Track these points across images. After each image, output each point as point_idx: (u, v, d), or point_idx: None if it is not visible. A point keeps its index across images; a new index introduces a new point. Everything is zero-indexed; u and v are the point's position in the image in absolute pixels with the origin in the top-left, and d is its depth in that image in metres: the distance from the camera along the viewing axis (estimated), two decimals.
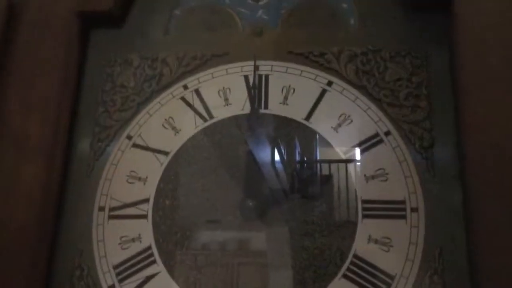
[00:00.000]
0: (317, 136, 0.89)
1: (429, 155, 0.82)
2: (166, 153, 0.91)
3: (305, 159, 0.89)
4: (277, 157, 0.87)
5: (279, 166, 0.87)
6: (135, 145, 0.93)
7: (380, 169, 0.82)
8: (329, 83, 0.90)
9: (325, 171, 0.87)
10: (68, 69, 0.94)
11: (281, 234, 0.83)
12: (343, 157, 0.85)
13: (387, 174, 0.82)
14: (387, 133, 0.84)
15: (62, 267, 0.90)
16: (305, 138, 0.89)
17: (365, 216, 0.81)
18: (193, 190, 0.89)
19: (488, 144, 0.74)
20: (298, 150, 0.88)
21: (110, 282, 0.85)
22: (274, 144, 0.86)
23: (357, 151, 0.86)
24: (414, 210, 0.79)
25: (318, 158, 0.88)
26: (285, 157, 0.87)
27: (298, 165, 0.88)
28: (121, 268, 0.86)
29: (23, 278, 0.84)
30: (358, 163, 0.85)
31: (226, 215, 0.86)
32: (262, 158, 0.86)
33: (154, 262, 0.85)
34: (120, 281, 0.85)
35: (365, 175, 0.83)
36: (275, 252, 0.82)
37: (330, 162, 0.88)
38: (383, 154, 0.83)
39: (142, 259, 0.86)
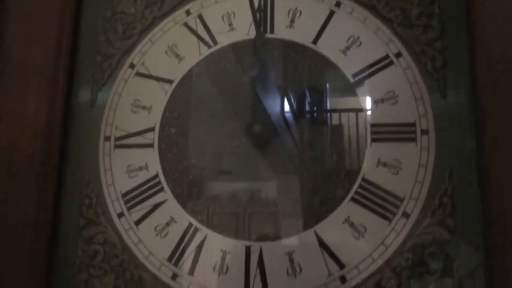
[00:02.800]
0: (325, 60, 0.83)
1: (440, 76, 0.79)
2: (170, 81, 0.89)
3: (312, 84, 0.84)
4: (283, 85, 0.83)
5: (285, 92, 0.84)
6: (138, 74, 0.91)
7: (390, 91, 0.80)
8: (337, 4, 0.87)
9: (333, 95, 0.83)
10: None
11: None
12: (351, 80, 0.81)
13: (397, 96, 0.80)
14: (398, 55, 0.82)
15: (71, 197, 0.91)
16: (313, 62, 0.84)
17: (374, 140, 0.79)
18: (198, 118, 0.87)
19: (501, 61, 0.70)
20: (305, 75, 0.84)
21: (118, 210, 0.84)
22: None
23: (366, 74, 0.81)
24: (424, 132, 0.77)
25: (326, 82, 0.83)
26: (292, 83, 0.84)
27: (305, 90, 0.84)
28: (129, 196, 0.85)
29: (32, 206, 0.84)
30: (368, 87, 0.81)
31: (233, 141, 0.84)
32: (268, 87, 0.83)
33: (161, 190, 0.84)
34: (129, 208, 0.84)
35: (374, 99, 0.80)
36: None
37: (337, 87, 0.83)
38: (393, 76, 0.81)
39: (149, 187, 0.85)
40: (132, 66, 0.92)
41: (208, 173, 0.85)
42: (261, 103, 0.84)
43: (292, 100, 0.85)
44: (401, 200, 0.76)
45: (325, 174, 0.81)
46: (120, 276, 0.81)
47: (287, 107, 0.86)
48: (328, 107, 0.85)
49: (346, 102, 0.84)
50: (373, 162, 0.79)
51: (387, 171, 0.77)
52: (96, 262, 0.83)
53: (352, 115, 0.82)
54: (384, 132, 0.79)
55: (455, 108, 0.78)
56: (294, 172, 0.83)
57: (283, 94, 0.85)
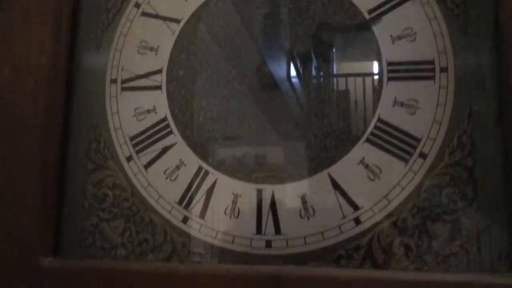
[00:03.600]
0: None
1: (461, 11, 0.74)
2: (177, 21, 0.86)
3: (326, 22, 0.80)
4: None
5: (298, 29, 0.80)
6: (144, 14, 0.88)
7: (407, 28, 0.76)
8: None
9: (347, 33, 0.79)
10: None
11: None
12: (367, 16, 0.77)
13: (415, 33, 0.76)
14: None
15: (78, 141, 0.89)
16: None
17: (390, 79, 0.76)
18: (207, 59, 0.83)
19: None
20: (318, 12, 0.79)
21: (127, 154, 0.82)
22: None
23: (383, 9, 0.76)
24: (443, 70, 0.74)
25: (340, 20, 0.79)
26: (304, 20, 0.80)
27: (319, 29, 0.80)
28: (138, 139, 0.83)
29: (37, 153, 0.82)
30: (384, 23, 0.76)
31: (242, 83, 0.80)
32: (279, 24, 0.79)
33: (170, 133, 0.82)
34: (137, 152, 0.82)
35: (391, 36, 0.76)
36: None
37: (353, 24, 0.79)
38: (411, 12, 0.77)
39: (158, 130, 0.83)
40: (137, 5, 0.88)
41: (218, 116, 0.81)
42: (273, 42, 0.79)
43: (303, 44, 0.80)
44: (418, 140, 0.73)
45: (339, 116, 0.76)
46: (130, 220, 0.80)
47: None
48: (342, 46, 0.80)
49: (362, 40, 0.79)
50: (389, 102, 0.75)
51: (404, 111, 0.74)
52: (106, 206, 0.82)
53: (369, 52, 0.77)
54: (401, 70, 0.76)
55: (476, 45, 0.74)
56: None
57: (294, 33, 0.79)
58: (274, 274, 0.66)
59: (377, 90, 0.77)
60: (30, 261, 0.74)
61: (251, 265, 0.73)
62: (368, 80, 0.79)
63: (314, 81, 0.84)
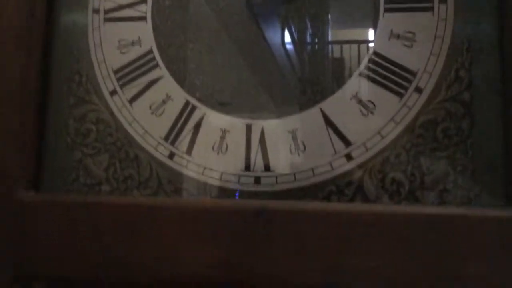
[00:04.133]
0: None
1: None
2: None
3: None
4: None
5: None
6: None
7: None
8: None
9: None
10: None
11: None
12: None
13: None
14: None
15: (59, 74, 0.85)
16: None
17: (387, 10, 0.71)
18: None
19: None
20: None
21: (111, 87, 0.78)
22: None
23: None
24: (442, 0, 0.69)
25: None
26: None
27: None
28: (122, 73, 0.79)
29: (17, 87, 0.79)
30: None
31: (233, 14, 0.75)
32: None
33: (156, 66, 0.78)
34: (122, 86, 0.78)
35: None
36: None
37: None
38: None
39: (143, 64, 0.79)
40: None
41: (207, 49, 0.77)
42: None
43: None
44: (414, 74, 0.70)
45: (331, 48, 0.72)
46: (115, 155, 0.77)
47: None
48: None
49: None
50: (385, 34, 0.72)
51: (400, 44, 0.71)
52: (89, 141, 0.78)
53: None
54: (398, 1, 0.71)
55: None
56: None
57: None
58: (262, 207, 0.63)
59: (373, 22, 0.72)
60: (11, 195, 0.70)
61: (239, 200, 0.69)
62: (363, 12, 0.73)
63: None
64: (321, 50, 0.78)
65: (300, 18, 0.77)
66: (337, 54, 0.76)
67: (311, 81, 0.75)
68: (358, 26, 0.76)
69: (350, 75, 0.74)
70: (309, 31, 0.78)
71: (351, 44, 0.77)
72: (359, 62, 0.74)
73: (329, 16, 0.77)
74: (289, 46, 0.79)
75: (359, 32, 0.76)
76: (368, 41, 0.74)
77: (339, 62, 0.75)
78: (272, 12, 0.77)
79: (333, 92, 0.74)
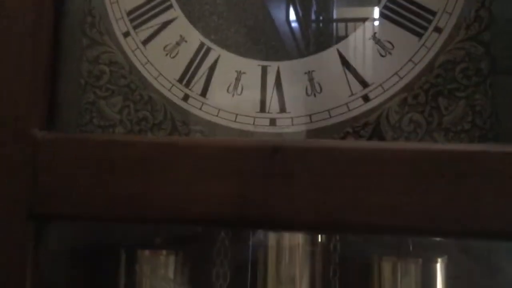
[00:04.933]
0: None
1: None
2: None
3: None
4: None
5: None
6: None
7: None
8: None
9: None
10: None
11: None
12: None
13: None
14: None
15: (71, 14, 0.83)
16: None
17: None
18: None
19: None
20: None
21: (124, 29, 0.77)
22: None
23: None
24: None
25: None
26: None
27: None
28: (135, 14, 0.78)
29: (30, 26, 0.78)
30: None
31: None
32: None
33: (170, 7, 0.76)
34: (135, 27, 0.77)
35: None
36: None
37: None
38: None
39: (157, 4, 0.78)
40: None
41: None
42: None
43: None
44: (434, 14, 0.68)
45: None
46: (129, 97, 0.76)
47: None
48: None
49: None
50: None
51: None
52: (103, 83, 0.77)
53: None
54: None
55: None
56: None
57: None
58: (277, 145, 0.62)
59: None
60: (24, 134, 0.69)
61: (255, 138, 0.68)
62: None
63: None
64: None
65: None
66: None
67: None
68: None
69: (368, 15, 0.71)
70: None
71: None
72: None
73: None
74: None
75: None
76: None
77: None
78: None
79: (350, 33, 0.71)
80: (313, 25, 0.78)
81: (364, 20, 0.73)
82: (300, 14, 0.78)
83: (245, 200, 0.64)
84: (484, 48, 0.68)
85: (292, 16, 0.78)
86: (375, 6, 0.73)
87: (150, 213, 0.66)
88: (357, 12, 0.75)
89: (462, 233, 0.60)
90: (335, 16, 0.77)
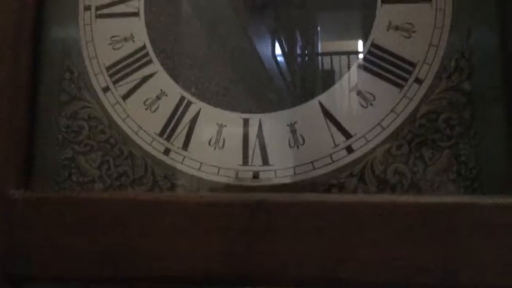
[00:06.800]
0: None
1: None
2: None
3: None
4: None
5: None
6: None
7: None
8: None
9: None
10: None
11: None
12: None
13: None
14: None
15: (50, 70, 0.82)
16: None
17: (384, 1, 0.70)
18: None
19: None
20: None
21: (103, 84, 0.76)
22: None
23: None
24: None
25: None
26: None
27: None
28: (115, 69, 0.77)
29: (6, 83, 0.76)
30: None
31: (229, 5, 0.74)
32: None
33: (150, 62, 0.75)
34: (115, 82, 0.76)
35: None
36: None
37: None
38: None
39: (136, 59, 0.77)
40: None
41: (202, 44, 0.75)
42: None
43: None
44: (414, 65, 0.68)
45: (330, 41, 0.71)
46: (108, 153, 0.74)
47: None
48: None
49: None
50: (383, 25, 0.70)
51: (399, 35, 0.70)
52: (81, 139, 0.76)
53: None
54: None
55: None
56: None
57: None
58: (261, 200, 0.60)
59: (371, 14, 0.71)
60: (1, 193, 0.66)
61: (237, 193, 0.67)
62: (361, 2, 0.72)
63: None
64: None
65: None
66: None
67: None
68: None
69: (349, 67, 0.71)
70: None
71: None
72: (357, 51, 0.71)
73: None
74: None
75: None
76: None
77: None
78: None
79: (332, 84, 0.71)
80: (296, 75, 0.77)
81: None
82: (284, 65, 0.77)
83: (230, 257, 0.62)
84: (466, 98, 0.67)
85: (275, 67, 0.77)
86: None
87: (132, 272, 0.63)
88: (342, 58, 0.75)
89: (453, 286, 0.57)
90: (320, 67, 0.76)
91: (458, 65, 0.69)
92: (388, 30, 0.72)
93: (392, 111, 0.70)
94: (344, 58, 0.74)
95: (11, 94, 0.74)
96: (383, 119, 0.69)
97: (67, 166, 0.76)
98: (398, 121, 0.69)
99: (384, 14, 0.72)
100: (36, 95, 0.79)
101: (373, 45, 0.72)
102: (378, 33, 0.72)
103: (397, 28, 0.71)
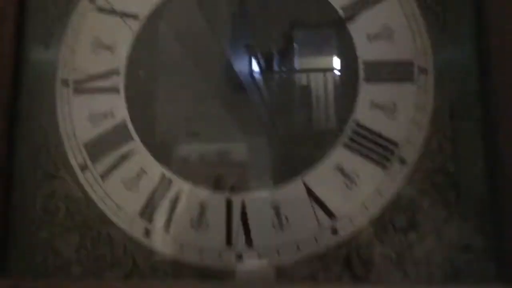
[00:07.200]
0: None
1: (440, 10, 0.70)
2: (136, 17, 0.76)
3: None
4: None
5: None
6: (99, 9, 0.78)
7: (385, 26, 0.70)
8: None
9: (321, 31, 0.74)
10: None
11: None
12: (342, 14, 0.71)
13: (392, 32, 0.71)
14: None
15: (26, 149, 0.79)
16: None
17: (367, 80, 0.69)
18: (171, 57, 0.75)
19: None
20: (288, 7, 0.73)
21: (81, 162, 0.74)
22: None
23: (359, 7, 0.71)
24: (422, 71, 0.69)
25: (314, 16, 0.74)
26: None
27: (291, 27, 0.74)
28: (93, 146, 0.74)
29: None
30: (360, 22, 0.71)
31: (207, 83, 0.73)
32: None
33: (130, 138, 0.73)
34: (93, 160, 0.73)
35: (367, 34, 0.70)
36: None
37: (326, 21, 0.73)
38: (388, 9, 0.72)
39: (116, 136, 0.75)
40: None
41: (183, 121, 0.74)
42: (240, 42, 0.73)
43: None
44: (397, 145, 0.67)
45: (312, 120, 0.70)
46: (86, 235, 0.71)
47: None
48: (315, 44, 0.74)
49: (336, 38, 0.73)
50: (366, 104, 0.70)
51: (381, 114, 0.69)
52: (58, 220, 0.73)
53: (343, 52, 0.72)
54: (378, 71, 0.70)
55: (458, 45, 0.70)
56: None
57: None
58: None
59: (353, 92, 0.70)
60: None
61: (220, 281, 0.64)
62: (343, 81, 0.72)
63: (277, 76, 0.75)
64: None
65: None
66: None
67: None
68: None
69: (332, 146, 0.70)
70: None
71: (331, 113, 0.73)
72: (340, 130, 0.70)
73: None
74: None
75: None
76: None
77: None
78: None
79: (315, 164, 0.70)
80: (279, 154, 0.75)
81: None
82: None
83: None
84: (450, 179, 0.67)
85: (258, 143, 0.76)
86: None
87: None
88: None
89: None
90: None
91: (441, 145, 0.68)
92: (370, 108, 0.71)
93: (376, 191, 0.68)
94: (328, 135, 0.72)
95: None
96: (367, 200, 0.68)
97: (43, 249, 0.73)
98: (383, 202, 0.68)
99: (366, 92, 0.72)
100: (11, 173, 0.75)
101: (356, 123, 0.71)
102: (361, 112, 0.72)
103: (379, 107, 0.71)
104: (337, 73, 0.75)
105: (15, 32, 0.78)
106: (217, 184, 0.71)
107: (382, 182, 0.69)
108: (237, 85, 0.75)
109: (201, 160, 0.74)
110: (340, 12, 0.75)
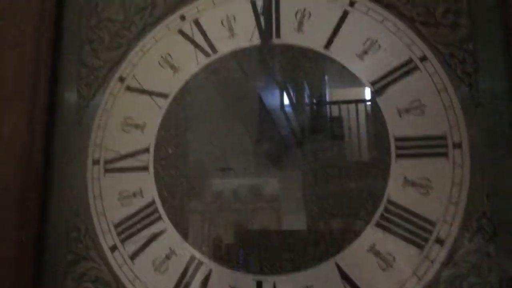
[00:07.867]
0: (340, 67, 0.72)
1: (473, 82, 0.67)
2: (165, 96, 0.78)
3: (325, 96, 0.73)
4: (288, 99, 0.72)
5: (289, 109, 0.73)
6: (129, 88, 0.80)
7: (415, 100, 0.69)
8: (351, 3, 0.77)
9: (351, 106, 0.72)
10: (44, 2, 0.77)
11: (296, 178, 0.68)
12: (371, 89, 0.70)
13: (423, 106, 0.69)
14: (423, 58, 0.71)
15: (56, 229, 0.80)
16: (326, 70, 0.73)
17: (399, 156, 0.68)
18: (198, 136, 0.75)
19: None
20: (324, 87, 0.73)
21: (111, 243, 0.73)
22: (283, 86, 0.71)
23: (388, 81, 0.69)
24: (456, 146, 0.66)
25: (342, 92, 0.73)
26: (305, 94, 0.73)
27: (317, 104, 0.73)
28: (123, 226, 0.74)
29: (12, 243, 0.73)
30: (390, 96, 0.69)
31: (238, 162, 0.72)
32: (272, 100, 0.72)
33: (159, 218, 0.72)
34: (123, 241, 0.73)
35: (398, 109, 0.69)
36: (291, 198, 0.69)
37: (355, 100, 0.72)
38: (418, 83, 0.70)
39: (145, 216, 0.74)
40: (121, 79, 0.80)
41: (214, 194, 0.72)
42: (270, 116, 0.72)
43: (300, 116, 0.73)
44: (434, 224, 0.64)
45: (344, 195, 0.68)
46: None
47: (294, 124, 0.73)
48: (345, 118, 0.72)
49: (366, 114, 0.71)
50: (398, 181, 0.68)
51: (415, 191, 0.67)
52: None
53: (374, 128, 0.70)
54: (410, 146, 0.68)
55: (492, 118, 0.67)
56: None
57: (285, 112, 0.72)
58: None
59: (386, 168, 0.68)
60: None
61: None
62: (375, 157, 0.70)
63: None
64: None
65: None
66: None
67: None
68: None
69: (366, 226, 0.67)
70: None
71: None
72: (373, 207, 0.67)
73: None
74: None
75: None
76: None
77: None
78: None
79: (348, 244, 0.67)
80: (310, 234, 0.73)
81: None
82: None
83: None
84: (492, 261, 0.63)
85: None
86: None
87: None
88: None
89: None
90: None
91: (480, 225, 0.64)
92: (404, 185, 0.68)
93: (414, 274, 0.66)
94: (361, 212, 0.69)
95: (17, 255, 0.71)
96: (404, 284, 0.64)
97: None
98: (421, 286, 0.65)
99: (398, 169, 0.69)
100: (42, 256, 0.75)
101: (389, 201, 0.68)
102: (394, 189, 0.69)
103: (413, 183, 0.68)
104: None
105: (47, 113, 0.80)
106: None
107: (420, 264, 0.66)
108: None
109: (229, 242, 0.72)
110: (369, 86, 0.72)
